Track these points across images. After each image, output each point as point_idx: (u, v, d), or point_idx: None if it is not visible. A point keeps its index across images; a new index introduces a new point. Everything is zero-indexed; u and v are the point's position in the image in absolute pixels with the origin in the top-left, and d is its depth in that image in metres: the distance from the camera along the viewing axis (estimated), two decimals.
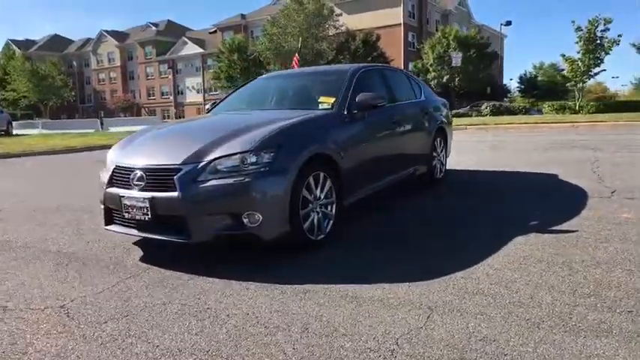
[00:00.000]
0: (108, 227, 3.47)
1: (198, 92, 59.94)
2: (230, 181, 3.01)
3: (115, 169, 3.39)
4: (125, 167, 3.32)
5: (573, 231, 3.57)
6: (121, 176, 3.32)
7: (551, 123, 16.44)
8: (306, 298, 2.58)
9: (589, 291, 2.50)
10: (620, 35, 24.04)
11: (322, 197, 3.47)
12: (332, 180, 3.55)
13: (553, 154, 8.24)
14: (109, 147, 4.41)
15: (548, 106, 26.94)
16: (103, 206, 3.45)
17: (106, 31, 69.48)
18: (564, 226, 3.72)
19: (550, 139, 11.53)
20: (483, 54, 37.87)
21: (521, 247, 3.26)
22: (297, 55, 18.14)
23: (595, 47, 24.61)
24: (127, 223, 3.31)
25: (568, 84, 28.79)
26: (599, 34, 24.53)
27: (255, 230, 3.04)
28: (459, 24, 47.23)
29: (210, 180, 3.03)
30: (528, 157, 7.96)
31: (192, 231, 3.02)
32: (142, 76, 66.11)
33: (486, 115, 28.45)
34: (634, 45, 26.85)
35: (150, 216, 3.11)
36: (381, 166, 4.41)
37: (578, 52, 25.23)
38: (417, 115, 5.24)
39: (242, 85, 5.16)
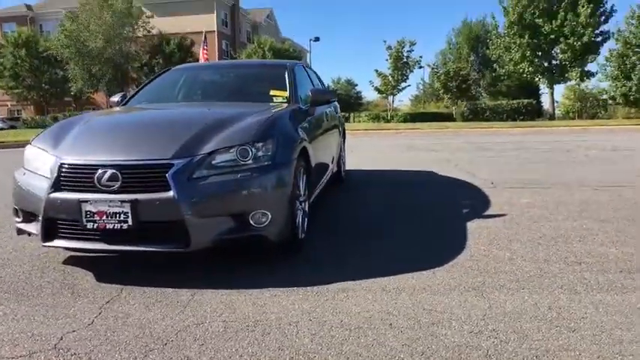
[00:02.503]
0: (49, 244, 2.68)
1: None
2: (235, 176, 2.65)
3: (63, 167, 2.64)
4: (84, 165, 2.62)
5: (503, 214, 4.12)
6: (76, 176, 2.61)
7: (379, 130, 18.40)
8: (352, 295, 2.43)
9: (576, 259, 2.94)
10: (420, 57, 28.61)
11: (302, 194, 3.30)
12: (307, 175, 3.40)
13: (409, 155, 9.26)
14: None
15: (366, 115, 30.18)
16: (41, 217, 2.65)
17: None
18: (491, 211, 4.26)
19: (391, 142, 12.89)
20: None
21: (479, 230, 3.62)
22: (204, 48, 17.45)
23: (402, 65, 28.57)
24: (86, 236, 2.62)
25: (379, 95, 32.62)
26: (405, 53, 28.60)
27: (262, 231, 2.73)
28: (269, 37, 49.19)
29: (209, 177, 2.62)
30: (392, 158, 8.79)
31: (191, 237, 2.56)
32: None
33: None
34: (428, 65, 32.11)
35: (130, 223, 2.52)
36: (325, 162, 4.39)
37: (389, 68, 28.95)
38: (334, 115, 5.35)
39: (153, 79, 4.50)
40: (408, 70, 28.85)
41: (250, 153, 2.73)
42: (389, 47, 28.45)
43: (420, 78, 69.89)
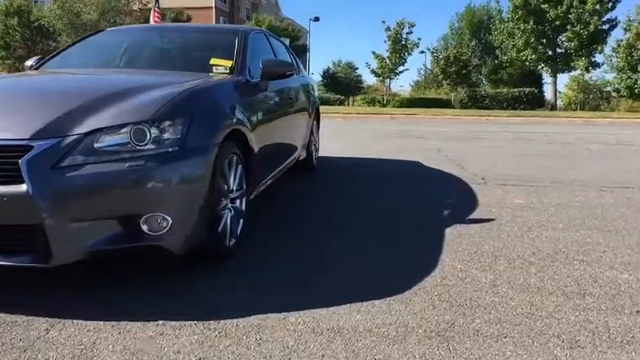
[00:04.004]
0: None
1: None
2: (120, 166, 1.94)
3: None
4: None
5: (491, 219, 3.43)
6: None
7: (372, 114, 17.63)
8: (266, 339, 1.75)
9: (578, 289, 2.26)
10: (419, 39, 27.60)
11: (234, 188, 2.60)
12: (243, 164, 2.70)
13: (399, 143, 8.54)
14: None
15: (361, 99, 29.26)
16: None
17: None
18: (477, 214, 3.58)
19: (382, 128, 12.15)
20: (294, 46, 39.02)
21: (459, 240, 2.93)
22: (156, 10, 13.15)
23: (401, 47, 27.53)
24: None
25: (377, 79, 31.72)
26: (404, 35, 27.56)
27: (160, 241, 2.03)
28: (268, 15, 47.90)
29: (84, 165, 1.90)
30: (379, 146, 8.07)
31: (54, 248, 1.86)
32: None
33: None
34: (429, 49, 30.95)
35: None
36: (282, 148, 3.68)
37: (387, 51, 27.91)
38: (303, 93, 4.60)
39: (79, 40, 3.75)
40: (406, 53, 27.79)
41: (148, 135, 2.02)
42: (388, 28, 27.39)
43: (422, 63, 68.58)
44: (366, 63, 29.29)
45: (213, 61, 3.10)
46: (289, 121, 3.87)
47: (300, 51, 40.50)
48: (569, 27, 25.36)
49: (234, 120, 2.55)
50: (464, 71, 28.34)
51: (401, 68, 28.45)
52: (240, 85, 2.95)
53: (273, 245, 2.80)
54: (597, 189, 4.58)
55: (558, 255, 2.71)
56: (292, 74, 3.34)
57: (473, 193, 4.29)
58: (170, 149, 2.06)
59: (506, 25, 27.72)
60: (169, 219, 2.01)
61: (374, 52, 28.05)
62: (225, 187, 2.47)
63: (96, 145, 1.96)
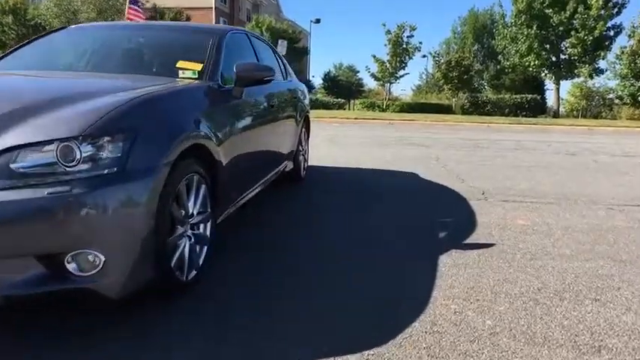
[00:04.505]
0: None
1: None
2: (38, 193, 1.59)
3: None
4: None
5: (490, 245, 3.08)
6: None
7: (371, 119, 17.28)
8: None
9: (592, 340, 1.91)
10: (420, 43, 27.16)
11: (195, 212, 2.25)
12: (208, 184, 2.35)
13: (395, 151, 8.19)
14: None
15: (360, 103, 28.87)
16: None
17: None
18: (475, 238, 3.23)
19: (380, 134, 11.81)
20: (294, 48, 38.70)
21: (455, 271, 2.59)
22: (130, 7, 10.54)
23: (402, 51, 27.10)
24: None
25: (376, 83, 31.31)
26: (405, 39, 27.12)
27: (89, 283, 1.68)
28: (269, 16, 47.65)
29: None
30: (374, 154, 7.72)
31: None
32: None
33: None
34: (430, 53, 30.43)
35: None
36: (260, 161, 3.34)
37: (387, 54, 27.50)
38: (289, 100, 4.26)
39: (36, 38, 3.40)
40: (407, 57, 27.34)
41: (78, 153, 1.67)
42: (388, 31, 26.93)
43: (424, 68, 68.23)
44: (366, 67, 28.95)
45: (180, 64, 2.76)
46: (271, 130, 3.52)
47: (301, 53, 40.24)
48: (573, 33, 24.95)
49: (196, 133, 2.21)
50: (465, 76, 27.94)
51: (401, 72, 28.05)
52: (209, 92, 2.60)
53: (241, 277, 2.45)
54: (606, 207, 4.23)
55: (567, 292, 2.36)
56: (271, 79, 2.99)
57: (472, 211, 3.94)
58: (106, 171, 1.71)
59: (510, 29, 27.34)
60: (101, 257, 1.67)
61: (374, 56, 27.65)
62: (182, 212, 2.13)
63: (13, 166, 1.61)
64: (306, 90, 5.21)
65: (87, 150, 1.69)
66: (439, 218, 3.69)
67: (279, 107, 3.76)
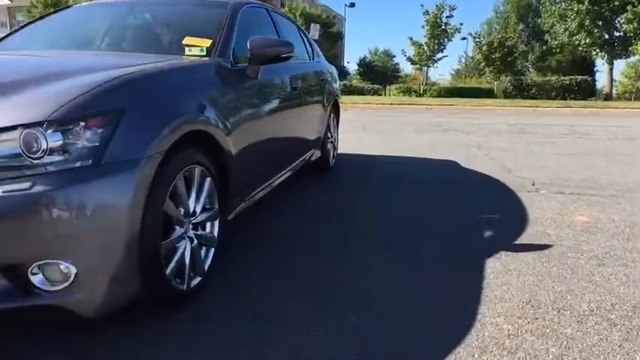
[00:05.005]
0: None
1: None
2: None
3: None
4: None
5: (547, 246, 2.63)
6: None
7: (407, 104, 16.66)
8: None
9: None
10: (461, 24, 25.99)
11: (198, 210, 1.94)
12: (214, 177, 2.03)
13: (433, 137, 7.69)
14: None
15: (396, 88, 28.07)
16: None
17: None
18: (528, 238, 2.79)
19: (416, 120, 11.27)
20: (328, 33, 38.04)
21: (506, 279, 2.18)
22: None
23: (440, 32, 26.03)
24: None
25: (414, 67, 30.36)
26: (444, 19, 26.02)
27: (62, 299, 1.39)
28: (303, 1, 47.01)
29: None
30: (409, 141, 7.26)
31: None
32: None
33: None
34: (471, 34, 29.07)
35: None
36: (280, 151, 3.00)
37: (425, 36, 26.48)
38: (315, 82, 3.89)
39: (42, 17, 3.15)
40: (445, 39, 26.20)
41: (44, 143, 1.37)
42: (426, 12, 25.87)
43: (463, 51, 66.04)
44: (402, 50, 27.72)
45: (186, 40, 2.43)
46: (293, 116, 3.17)
47: (335, 38, 39.54)
48: (629, 7, 23.15)
49: (197, 118, 1.89)
50: (509, 58, 26.57)
51: (439, 55, 26.91)
52: (218, 70, 2.27)
53: (251, 282, 2.13)
54: None
55: None
56: (290, 56, 2.62)
57: (522, 206, 3.48)
58: (78, 164, 1.41)
59: (558, 6, 25.74)
60: (72, 268, 1.37)
61: (411, 39, 26.66)
62: (181, 210, 1.81)
63: None
64: (335, 72, 4.82)
65: (55, 138, 1.39)
66: (484, 214, 3.26)
67: (303, 90, 3.40)
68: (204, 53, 2.37)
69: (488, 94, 26.52)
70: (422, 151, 6.08)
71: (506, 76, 26.74)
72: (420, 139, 7.48)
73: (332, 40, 38.69)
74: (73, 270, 1.36)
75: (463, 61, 48.26)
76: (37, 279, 1.36)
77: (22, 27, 3.00)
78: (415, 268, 2.32)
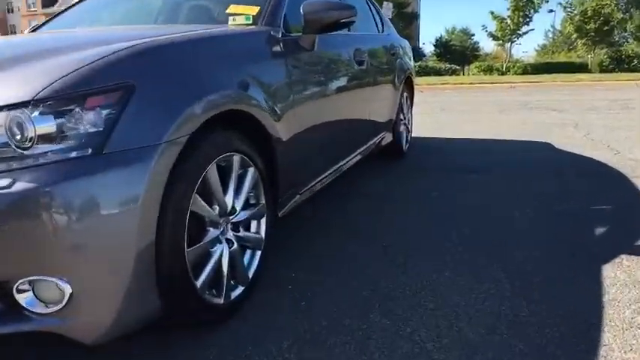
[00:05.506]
0: None
1: None
2: None
3: None
4: None
5: None
6: None
7: (487, 83, 15.53)
8: None
9: None
10: None
11: (239, 207, 1.61)
12: (259, 168, 1.69)
13: (520, 117, 6.90)
14: None
15: (476, 67, 26.45)
16: None
17: None
18: None
19: (499, 99, 10.35)
20: (402, 13, 36.72)
21: (633, 294, 1.65)
22: None
23: (525, 4, 23.98)
24: None
25: (495, 43, 28.47)
26: None
27: (55, 324, 1.12)
28: None
29: None
30: (493, 121, 6.55)
31: None
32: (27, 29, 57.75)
33: None
34: (560, 4, 26.43)
35: None
36: (343, 135, 2.61)
37: (508, 9, 24.54)
38: (384, 56, 3.44)
39: None
40: (531, 10, 24.04)
41: (30, 128, 1.10)
42: None
43: (550, 25, 61.00)
44: (482, 26, 25.84)
45: (231, 8, 2.10)
46: (358, 95, 2.76)
47: (410, 18, 38.17)
48: None
49: (234, 95, 1.56)
50: (605, 27, 23.95)
51: (525, 29, 24.77)
52: (266, 40, 1.92)
53: (306, 287, 1.78)
54: None
55: None
56: (351, 22, 2.21)
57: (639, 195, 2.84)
58: (74, 154, 1.12)
59: None
60: (66, 286, 1.09)
61: (492, 13, 24.78)
62: (216, 208, 1.49)
63: None
64: (408, 47, 4.32)
65: (44, 123, 1.11)
66: (592, 205, 2.67)
67: (370, 65, 2.97)
68: (250, 22, 2.03)
69: (580, 68, 24.16)
70: (508, 132, 5.40)
71: (602, 49, 24.17)
72: (505, 119, 6.74)
73: (406, 20, 37.40)
74: (68, 290, 1.08)
75: (550, 35, 44.64)
76: (24, 298, 1.10)
77: (76, 3, 2.84)
78: (514, 279, 1.84)
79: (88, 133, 1.14)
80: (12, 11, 58.96)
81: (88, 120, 1.15)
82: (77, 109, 1.14)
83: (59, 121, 1.12)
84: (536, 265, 1.94)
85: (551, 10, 30.10)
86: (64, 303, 1.09)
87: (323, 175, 2.35)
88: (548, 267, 1.93)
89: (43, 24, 2.67)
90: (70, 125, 1.13)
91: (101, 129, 1.16)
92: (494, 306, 1.63)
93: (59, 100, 1.12)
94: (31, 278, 1.08)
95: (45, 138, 1.11)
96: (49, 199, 1.07)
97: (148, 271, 1.22)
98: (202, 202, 1.41)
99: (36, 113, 1.10)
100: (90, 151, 1.13)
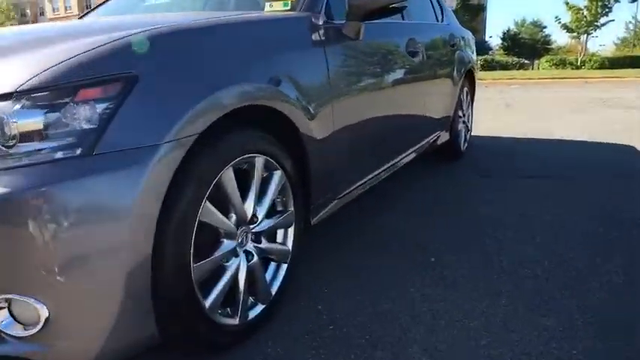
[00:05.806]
0: None
1: None
2: None
3: None
4: None
5: None
6: None
7: (558, 78, 14.49)
8: None
9: None
10: None
11: (261, 216, 1.42)
12: (287, 171, 1.50)
13: (595, 117, 6.28)
14: None
15: (547, 61, 24.83)
16: None
17: None
18: None
19: (571, 95, 9.58)
20: (468, 5, 35.27)
21: None
22: None
23: None
24: None
25: (570, 36, 26.65)
26: None
27: (31, 350, 0.98)
28: None
29: None
30: (566, 121, 5.99)
31: None
32: None
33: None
34: None
35: None
36: (391, 135, 2.36)
37: None
38: (443, 48, 3.13)
39: None
40: (612, 0, 22.11)
41: (12, 124, 0.96)
42: None
43: (631, 16, 56.49)
44: (556, 17, 24.02)
45: None
46: (410, 89, 2.50)
47: (475, 10, 36.60)
48: None
49: (260, 88, 1.37)
50: None
51: (603, 20, 22.84)
52: (303, 27, 1.71)
53: (333, 306, 1.56)
54: None
55: None
56: (401, 7, 1.96)
57: None
58: (60, 154, 0.97)
59: None
60: (42, 308, 0.94)
61: (567, 3, 23.04)
62: (232, 217, 1.31)
63: None
64: (471, 38, 3.97)
65: (28, 118, 0.97)
66: None
67: (426, 57, 2.69)
68: (289, 7, 1.83)
69: None
70: (582, 133, 4.88)
71: None
72: (578, 118, 6.15)
73: (472, 12, 35.91)
74: (44, 312, 0.94)
75: (632, 27, 41.28)
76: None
77: None
78: (574, 309, 1.54)
79: (78, 130, 0.99)
80: (43, 14, 62.16)
81: (80, 115, 1.00)
82: (67, 103, 0.99)
83: (46, 116, 0.98)
84: (609, 288, 1.61)
85: (633, 0, 27.64)
86: (39, 326, 0.95)
87: (366, 178, 2.12)
88: (627, 288, 1.59)
89: (87, 13, 2.61)
90: (59, 121, 0.98)
91: (94, 126, 1.00)
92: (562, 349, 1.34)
93: (46, 92, 0.98)
94: (6, 296, 0.95)
95: (28, 135, 0.97)
96: (25, 205, 0.92)
97: (141, 290, 1.05)
98: (215, 210, 1.23)
99: (17, 106, 0.96)
100: (78, 151, 0.98)
